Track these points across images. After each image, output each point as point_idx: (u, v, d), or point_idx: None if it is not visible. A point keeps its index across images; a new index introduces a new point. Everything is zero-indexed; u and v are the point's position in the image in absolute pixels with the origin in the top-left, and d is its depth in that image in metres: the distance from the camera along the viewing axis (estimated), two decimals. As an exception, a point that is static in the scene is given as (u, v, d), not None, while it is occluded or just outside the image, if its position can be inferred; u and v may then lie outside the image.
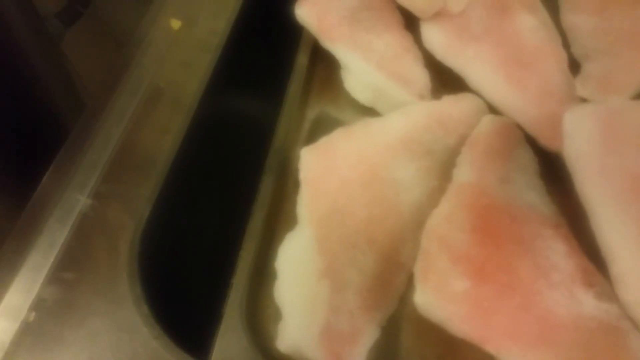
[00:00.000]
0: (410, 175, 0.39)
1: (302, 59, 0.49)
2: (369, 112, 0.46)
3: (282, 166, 0.41)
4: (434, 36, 0.47)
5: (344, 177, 0.37)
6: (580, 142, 0.38)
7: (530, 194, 0.39)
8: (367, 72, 0.45)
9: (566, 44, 0.47)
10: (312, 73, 0.49)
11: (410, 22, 0.49)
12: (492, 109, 0.44)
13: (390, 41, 0.47)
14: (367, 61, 0.45)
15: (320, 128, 0.47)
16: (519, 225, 0.36)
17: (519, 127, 0.42)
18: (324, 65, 0.49)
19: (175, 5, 0.53)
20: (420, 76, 0.46)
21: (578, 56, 0.46)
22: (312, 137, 0.46)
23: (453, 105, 0.43)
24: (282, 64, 0.50)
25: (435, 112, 0.43)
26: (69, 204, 0.37)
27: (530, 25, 0.48)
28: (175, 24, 0.52)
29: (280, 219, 0.38)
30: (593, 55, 0.45)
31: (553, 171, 0.40)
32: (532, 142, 0.42)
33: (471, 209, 0.36)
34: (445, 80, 0.47)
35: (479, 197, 0.37)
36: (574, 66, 0.46)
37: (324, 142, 0.39)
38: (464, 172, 0.39)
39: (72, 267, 0.34)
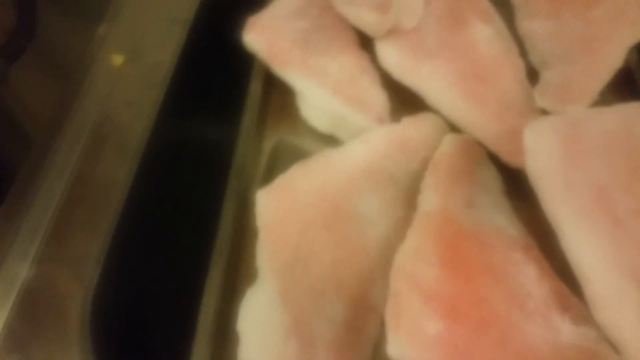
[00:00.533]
0: (374, 208, 0.37)
1: (255, 87, 0.47)
2: (329, 139, 0.45)
3: (240, 209, 0.39)
4: (389, 55, 0.46)
5: (305, 218, 0.36)
6: (542, 157, 0.37)
7: (498, 216, 0.38)
8: (323, 99, 0.44)
9: (524, 52, 0.46)
10: (266, 101, 0.47)
11: (367, 41, 0.47)
12: (453, 127, 0.43)
13: (345, 63, 0.46)
14: (322, 87, 0.44)
15: (280, 159, 0.45)
16: (488, 252, 0.35)
17: (481, 145, 0.41)
18: (279, 92, 0.47)
19: (118, 38, 0.51)
20: (378, 99, 0.44)
21: (536, 64, 0.45)
22: (271, 170, 0.44)
23: (413, 127, 0.42)
24: (234, 93, 0.48)
25: (396, 137, 0.41)
26: (10, 276, 0.34)
27: (486, 36, 0.46)
28: (118, 59, 0.49)
29: (240, 270, 0.36)
30: (550, 62, 0.44)
31: (518, 188, 0.39)
32: (495, 159, 0.41)
33: (438, 240, 0.35)
34: (404, 99, 0.45)
35: (445, 226, 0.36)
36: (533, 75, 0.45)
37: (280, 181, 0.37)
38: (428, 199, 0.37)
39: (17, 348, 0.32)
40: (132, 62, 0.50)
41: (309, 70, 0.45)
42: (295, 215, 0.36)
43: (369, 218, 0.37)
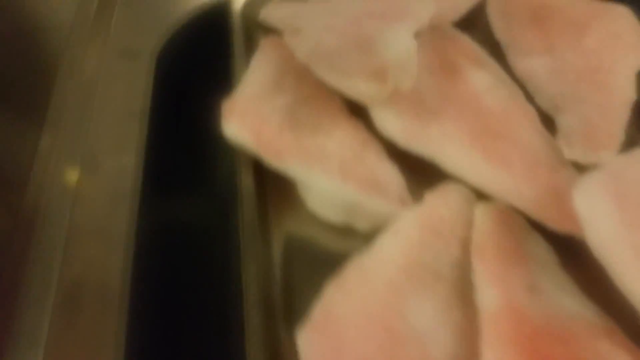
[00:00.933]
0: (429, 317, 0.32)
1: (246, 183, 0.41)
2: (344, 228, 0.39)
3: (268, 345, 0.32)
4: (391, 122, 0.41)
5: (357, 351, 0.30)
6: (601, 226, 0.33)
7: (564, 297, 0.34)
8: (332, 187, 0.38)
9: (528, 95, 0.43)
10: (263, 195, 0.41)
11: (355, 105, 0.42)
12: (480, 193, 0.39)
13: (343, 138, 0.40)
14: (328, 174, 0.38)
15: (294, 259, 0.39)
16: (572, 347, 0.31)
17: (519, 211, 0.37)
18: (275, 183, 0.41)
19: (67, 147, 0.43)
20: (392, 176, 0.39)
21: (546, 108, 0.42)
22: (288, 277, 0.38)
23: (440, 205, 0.37)
24: (221, 190, 0.41)
25: (426, 222, 0.36)
26: None
27: (486, 84, 0.43)
28: (72, 174, 0.41)
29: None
30: (562, 105, 0.41)
31: (570, 254, 0.36)
32: (537, 225, 0.37)
33: (519, 350, 0.30)
34: (412, 166, 0.40)
35: (518, 328, 0.31)
36: (545, 119, 0.41)
37: (319, 314, 0.31)
38: (487, 296, 0.33)
39: None
40: (89, 174, 0.42)
41: (308, 157, 0.39)
42: (346, 350, 0.30)
43: (427, 332, 0.32)
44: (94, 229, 0.40)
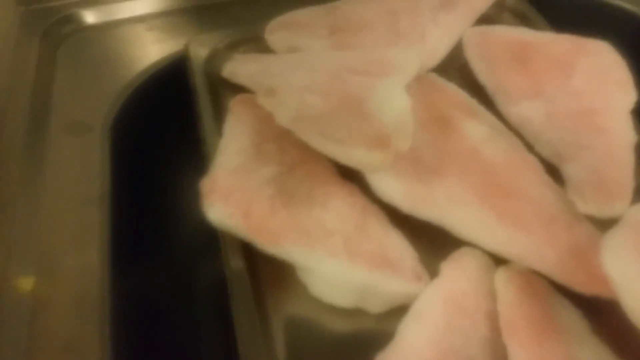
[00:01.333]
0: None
1: (236, 264, 0.36)
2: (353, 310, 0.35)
3: None
4: (390, 186, 0.37)
5: None
6: (635, 287, 0.31)
7: (606, 370, 0.31)
8: (339, 270, 0.34)
9: (525, 142, 0.41)
10: (256, 279, 0.36)
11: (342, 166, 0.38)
12: (495, 256, 0.36)
13: (342, 209, 0.37)
14: (333, 255, 0.34)
15: (300, 347, 0.34)
16: None
17: (540, 274, 0.34)
18: (270, 266, 0.36)
19: (17, 251, 0.36)
20: (401, 248, 0.36)
21: (548, 157, 0.40)
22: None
23: (459, 278, 0.34)
24: (208, 288, 0.36)
25: (448, 299, 0.33)
26: None
27: (482, 134, 0.40)
28: (26, 282, 0.35)
29: None
30: (564, 153, 0.39)
31: (601, 319, 0.33)
32: (560, 287, 0.34)
33: None
34: (417, 228, 0.37)
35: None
36: (548, 168, 0.39)
37: None
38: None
39: None
40: (47, 279, 0.35)
41: (307, 237, 0.34)
42: None
43: None
44: (60, 344, 0.34)
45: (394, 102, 0.37)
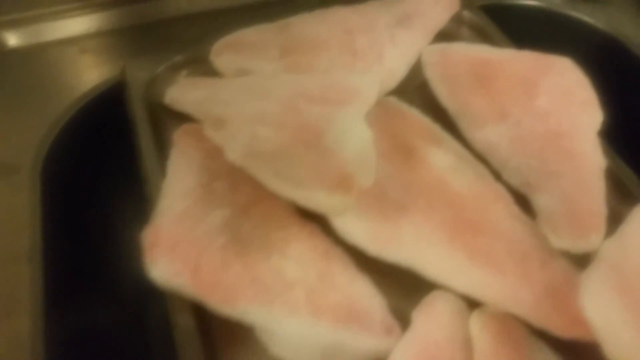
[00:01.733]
0: None
1: (184, 322, 0.32)
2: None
3: None
4: (354, 227, 0.34)
5: None
6: (617, 332, 0.29)
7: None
8: (303, 328, 0.30)
9: (491, 167, 0.39)
10: (208, 340, 0.33)
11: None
12: (468, 299, 0.33)
13: (303, 254, 0.34)
14: (294, 311, 0.31)
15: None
16: None
17: (515, 317, 0.32)
18: (223, 324, 0.32)
19: None
20: (371, 298, 0.33)
21: (517, 185, 0.38)
22: None
23: (432, 328, 0.32)
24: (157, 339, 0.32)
25: (422, 351, 0.30)
26: None
27: (448, 163, 0.38)
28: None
29: None
30: (534, 183, 0.37)
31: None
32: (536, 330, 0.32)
33: None
34: (383, 270, 0.34)
35: None
36: (516, 196, 0.37)
37: None
38: None
39: None
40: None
41: (265, 292, 0.31)
42: None
43: None
44: None
45: (354, 134, 0.34)
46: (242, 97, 0.39)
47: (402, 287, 0.34)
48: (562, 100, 0.41)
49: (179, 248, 0.32)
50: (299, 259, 0.33)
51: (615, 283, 0.31)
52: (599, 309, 0.30)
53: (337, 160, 0.32)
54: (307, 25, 0.45)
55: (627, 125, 0.44)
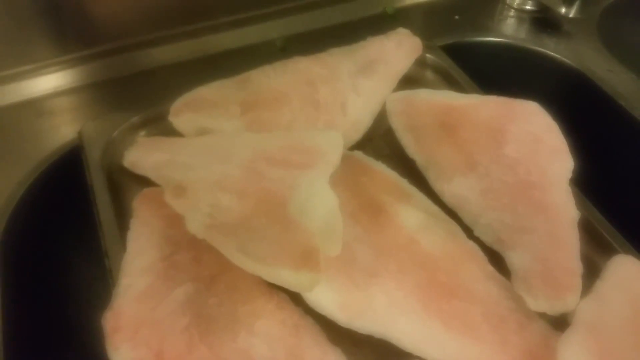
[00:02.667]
0: None
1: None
2: None
3: None
4: (324, 298, 0.33)
5: None
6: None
7: None
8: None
9: (462, 223, 0.38)
10: None
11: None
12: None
13: (271, 330, 0.33)
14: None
15: None
16: None
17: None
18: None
19: None
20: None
21: (490, 243, 0.37)
22: None
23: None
24: None
25: None
26: None
27: (418, 223, 0.37)
28: None
29: None
30: (506, 238, 0.36)
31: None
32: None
33: None
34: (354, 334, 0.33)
35: None
36: (491, 254, 0.36)
37: None
38: None
39: None
40: None
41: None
42: None
43: None
44: None
45: (319, 201, 0.33)
46: (203, 160, 0.38)
47: (377, 356, 0.33)
48: (531, 148, 0.40)
49: (141, 332, 0.30)
50: (266, 336, 0.32)
51: (593, 346, 0.30)
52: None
53: (302, 233, 0.31)
54: (268, 78, 0.44)
55: (594, 163, 0.44)
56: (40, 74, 0.48)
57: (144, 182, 0.39)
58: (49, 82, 0.48)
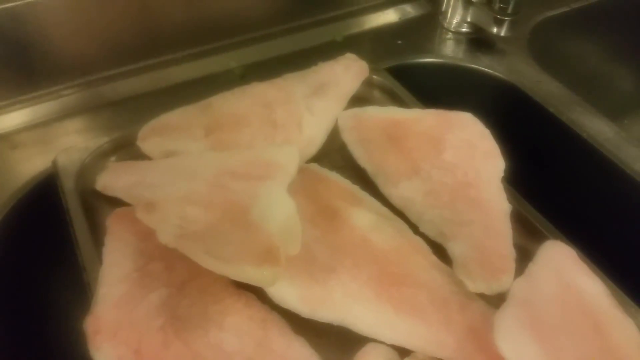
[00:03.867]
0: None
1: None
2: None
3: None
4: (286, 293, 0.37)
5: None
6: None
7: None
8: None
9: (409, 222, 0.42)
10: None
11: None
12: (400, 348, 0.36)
13: (240, 325, 0.36)
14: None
15: None
16: None
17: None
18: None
19: None
20: (306, 356, 0.35)
21: (433, 236, 0.41)
22: None
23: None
24: None
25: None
26: None
27: (370, 223, 0.41)
28: None
29: None
30: (447, 231, 0.40)
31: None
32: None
33: None
34: (317, 326, 0.36)
35: None
36: (435, 248, 0.40)
37: None
38: None
39: None
40: None
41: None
42: None
43: None
44: None
45: (278, 207, 0.37)
46: (171, 179, 0.41)
47: (337, 343, 0.36)
48: (467, 153, 0.45)
49: (120, 332, 0.33)
50: (236, 331, 0.35)
51: (525, 319, 0.34)
52: (512, 345, 0.33)
53: (263, 234, 0.34)
54: (228, 102, 0.48)
55: (528, 163, 0.49)
56: (12, 109, 0.51)
57: (116, 203, 0.42)
58: (21, 116, 0.51)
